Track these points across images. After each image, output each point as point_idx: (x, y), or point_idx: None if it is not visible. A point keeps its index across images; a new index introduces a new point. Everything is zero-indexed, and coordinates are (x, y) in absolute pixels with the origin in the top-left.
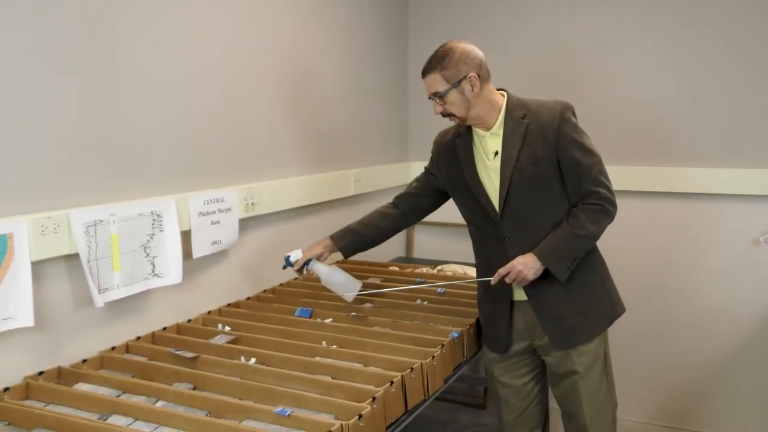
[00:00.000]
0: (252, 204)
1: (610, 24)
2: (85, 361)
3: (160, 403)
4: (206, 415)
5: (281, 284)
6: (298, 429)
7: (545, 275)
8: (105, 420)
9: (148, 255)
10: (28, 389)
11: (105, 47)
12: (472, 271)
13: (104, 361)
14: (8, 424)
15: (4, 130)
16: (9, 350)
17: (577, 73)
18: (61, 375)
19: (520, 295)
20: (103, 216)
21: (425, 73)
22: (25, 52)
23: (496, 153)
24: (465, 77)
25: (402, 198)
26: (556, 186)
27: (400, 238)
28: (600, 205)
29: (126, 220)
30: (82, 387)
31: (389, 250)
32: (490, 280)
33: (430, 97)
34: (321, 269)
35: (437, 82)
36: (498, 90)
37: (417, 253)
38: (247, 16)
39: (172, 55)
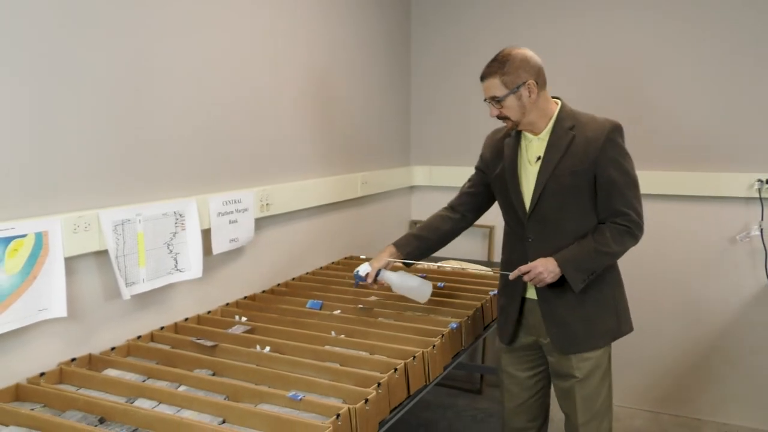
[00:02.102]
0: (267, 204)
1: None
2: (113, 348)
3: (182, 388)
4: (224, 399)
5: (293, 279)
6: (309, 412)
7: (561, 282)
8: (132, 403)
9: (171, 251)
10: (61, 374)
11: (134, 61)
12: (470, 267)
13: (131, 349)
14: (44, 406)
15: (41, 137)
16: (44, 338)
17: (581, 77)
18: (92, 361)
19: (532, 293)
20: (130, 215)
21: (485, 77)
22: (61, 65)
23: (539, 158)
24: (524, 83)
25: (457, 200)
26: (587, 200)
27: None
28: (627, 227)
29: (151, 219)
30: (111, 373)
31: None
32: (509, 274)
33: (486, 100)
34: (392, 278)
35: (496, 86)
36: (553, 98)
37: None
38: (265, 33)
39: (195, 68)
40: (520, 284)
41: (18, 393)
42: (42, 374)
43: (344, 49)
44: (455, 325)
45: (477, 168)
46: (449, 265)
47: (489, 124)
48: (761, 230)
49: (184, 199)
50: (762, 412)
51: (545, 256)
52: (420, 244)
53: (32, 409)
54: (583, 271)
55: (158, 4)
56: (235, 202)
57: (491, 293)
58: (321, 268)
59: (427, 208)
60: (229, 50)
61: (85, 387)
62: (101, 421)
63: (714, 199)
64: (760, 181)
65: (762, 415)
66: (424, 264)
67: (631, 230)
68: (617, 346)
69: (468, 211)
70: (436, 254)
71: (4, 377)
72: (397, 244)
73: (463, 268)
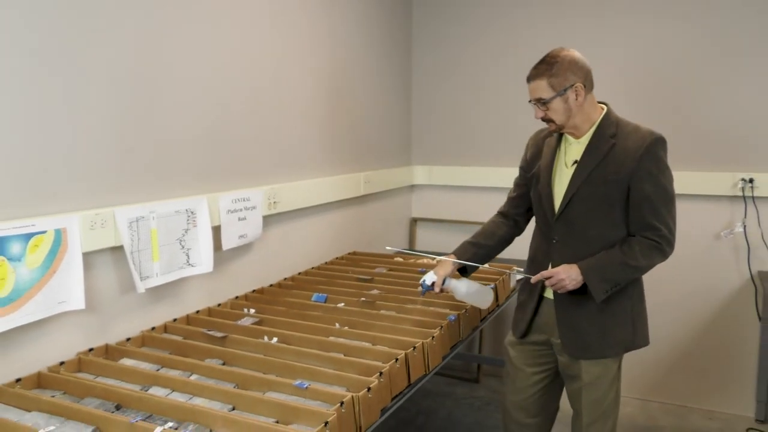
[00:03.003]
0: (274, 202)
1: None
2: (128, 339)
3: (194, 377)
4: (234, 387)
5: (299, 273)
6: (314, 400)
7: (583, 290)
8: (146, 391)
9: (183, 247)
10: (80, 363)
11: (148, 67)
12: (487, 266)
13: (145, 339)
14: (64, 393)
15: (60, 139)
16: (64, 330)
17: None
18: (108, 351)
19: (550, 293)
20: (144, 213)
21: (531, 78)
22: (79, 70)
23: (575, 162)
24: (571, 86)
25: (506, 206)
26: (618, 210)
27: (404, 233)
28: (658, 242)
29: (164, 216)
30: (126, 362)
31: (393, 243)
32: (531, 278)
33: (531, 101)
34: (458, 285)
35: (543, 88)
36: (600, 103)
37: (419, 246)
38: (270, 36)
39: (206, 72)
40: (541, 284)
41: (39, 381)
42: (62, 363)
43: (348, 53)
44: (453, 318)
45: (520, 168)
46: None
47: (491, 126)
48: (744, 227)
49: (196, 197)
50: (745, 399)
51: (569, 258)
52: (477, 251)
53: (53, 396)
54: (607, 281)
55: (171, 11)
56: (244, 200)
57: (490, 287)
58: (326, 263)
59: (428, 205)
60: (237, 56)
61: (102, 375)
62: (117, 407)
63: (699, 197)
64: (743, 180)
65: (745, 402)
66: (424, 259)
67: (661, 246)
68: None
69: (518, 215)
70: (436, 250)
71: (27, 366)
72: (456, 253)
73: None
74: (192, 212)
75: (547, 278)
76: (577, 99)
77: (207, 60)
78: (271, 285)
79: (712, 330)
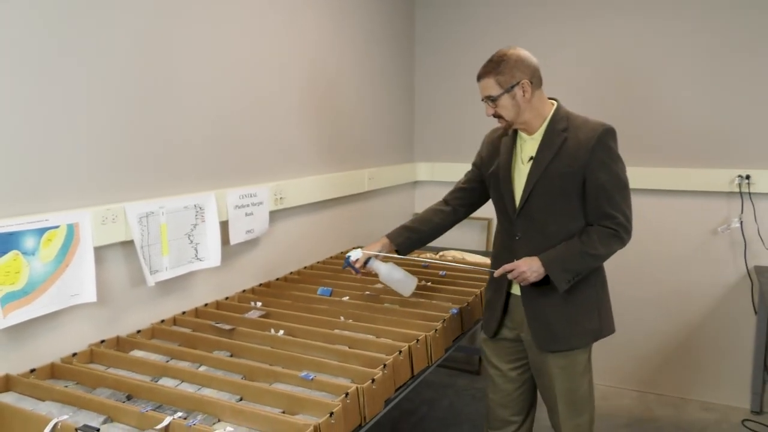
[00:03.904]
0: (280, 198)
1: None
2: (139, 331)
3: (202, 368)
4: (241, 378)
5: (305, 267)
6: (320, 391)
7: (546, 281)
8: (156, 381)
9: (191, 242)
10: (92, 354)
11: (159, 68)
12: (469, 257)
13: (155, 331)
14: (77, 383)
15: (73, 137)
16: (76, 322)
17: (574, 77)
18: (119, 343)
19: (517, 289)
20: (153, 208)
21: (480, 77)
22: (93, 72)
23: (531, 158)
24: (518, 83)
25: (452, 194)
26: (575, 201)
27: None
28: (615, 230)
29: (173, 211)
30: (137, 353)
31: None
32: (494, 272)
33: (483, 100)
34: (381, 267)
35: (491, 86)
36: (550, 99)
37: None
38: (274, 36)
39: (213, 72)
40: (506, 280)
41: (53, 371)
42: (74, 354)
43: (351, 52)
44: (456, 311)
45: (473, 164)
46: (450, 255)
47: (489, 123)
48: (741, 222)
49: (204, 193)
50: (740, 390)
51: (532, 254)
52: (412, 236)
53: (66, 386)
54: (568, 271)
55: (180, 13)
56: (250, 196)
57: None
58: (331, 257)
59: (430, 202)
60: (244, 57)
61: (113, 366)
62: (129, 397)
63: (697, 193)
64: (740, 176)
65: (740, 394)
66: (427, 253)
67: (618, 233)
68: None
69: (461, 205)
70: (438, 244)
71: (41, 357)
72: (390, 236)
73: (463, 257)
74: (200, 208)
75: (509, 272)
76: (524, 95)
77: (214, 60)
78: (277, 279)
79: (708, 323)
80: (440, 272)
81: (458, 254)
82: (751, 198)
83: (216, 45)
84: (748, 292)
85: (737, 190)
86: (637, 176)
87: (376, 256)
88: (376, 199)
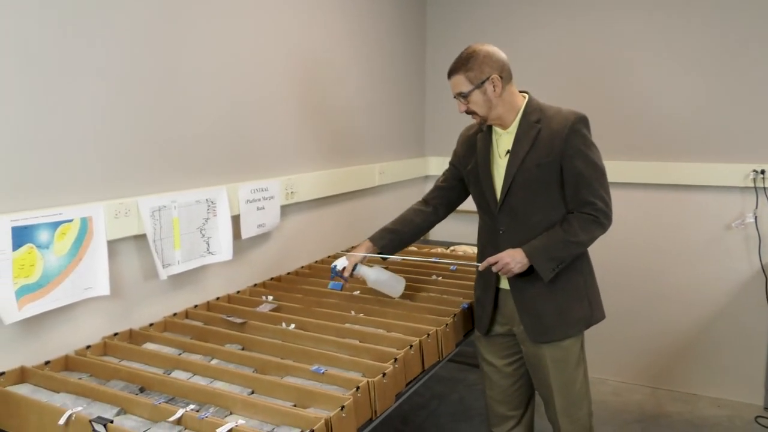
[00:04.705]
0: (292, 192)
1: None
2: (151, 324)
3: (214, 361)
4: (253, 371)
5: (316, 261)
6: (331, 384)
7: (531, 271)
8: (169, 374)
9: (203, 236)
10: (105, 347)
11: (173, 63)
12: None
13: (167, 325)
14: (90, 376)
15: (87, 131)
16: (90, 315)
17: (587, 73)
18: (132, 336)
19: (505, 284)
20: (166, 202)
21: (451, 74)
22: (103, 65)
23: (508, 152)
24: (488, 79)
25: (431, 193)
26: (555, 191)
27: None
28: (595, 216)
29: (185, 206)
30: (150, 346)
31: None
32: (478, 265)
33: (455, 97)
34: (368, 272)
35: (461, 82)
36: (521, 92)
37: (433, 236)
38: (286, 31)
39: (226, 68)
40: (494, 275)
41: (67, 363)
42: (88, 347)
43: (363, 48)
44: (466, 306)
45: (450, 163)
46: (461, 249)
47: None
48: (755, 217)
49: (216, 187)
50: (753, 387)
51: (516, 246)
52: (394, 237)
53: (80, 378)
54: (552, 260)
55: (192, 8)
56: (262, 190)
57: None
58: (342, 251)
59: None
60: (256, 52)
61: (126, 359)
62: (141, 390)
63: (711, 188)
64: (755, 171)
65: (754, 390)
66: (438, 248)
67: (599, 219)
68: (618, 325)
69: (440, 204)
70: (450, 240)
71: (55, 349)
72: (372, 239)
73: (474, 252)
74: (212, 202)
75: (493, 264)
76: (495, 90)
77: (226, 55)
78: (288, 273)
79: (721, 319)
80: (451, 267)
81: (470, 249)
82: (765, 193)
83: (228, 40)
84: (761, 288)
85: (752, 185)
86: (651, 171)
87: (364, 260)
88: (387, 194)
